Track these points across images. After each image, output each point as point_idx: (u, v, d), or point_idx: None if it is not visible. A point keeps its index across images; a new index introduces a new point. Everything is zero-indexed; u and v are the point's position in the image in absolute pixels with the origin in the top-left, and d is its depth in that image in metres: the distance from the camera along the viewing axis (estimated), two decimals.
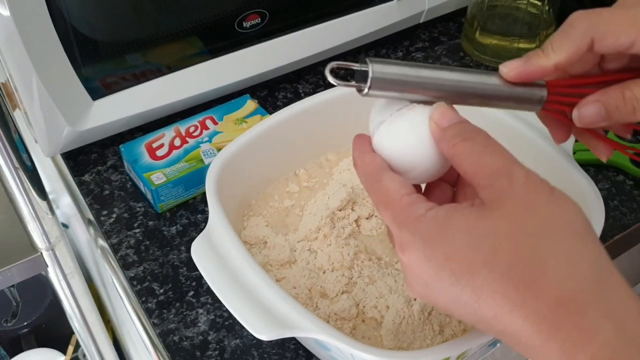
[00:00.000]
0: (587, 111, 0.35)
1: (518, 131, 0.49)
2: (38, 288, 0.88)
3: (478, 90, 0.33)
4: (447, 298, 0.28)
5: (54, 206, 0.63)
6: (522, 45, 0.71)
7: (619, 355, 0.25)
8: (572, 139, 0.49)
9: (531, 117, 0.50)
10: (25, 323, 0.85)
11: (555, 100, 0.36)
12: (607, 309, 0.26)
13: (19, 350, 0.84)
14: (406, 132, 0.32)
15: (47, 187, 0.62)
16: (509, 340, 0.28)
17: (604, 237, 0.52)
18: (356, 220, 0.49)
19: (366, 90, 0.32)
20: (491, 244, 0.27)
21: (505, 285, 0.27)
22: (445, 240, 0.28)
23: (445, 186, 0.35)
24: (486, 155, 0.29)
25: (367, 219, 0.49)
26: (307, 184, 0.52)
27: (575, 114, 0.36)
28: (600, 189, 0.56)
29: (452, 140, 0.30)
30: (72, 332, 0.86)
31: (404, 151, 0.32)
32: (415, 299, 0.42)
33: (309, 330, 0.35)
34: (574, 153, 0.56)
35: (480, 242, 0.27)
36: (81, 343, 0.68)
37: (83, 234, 0.64)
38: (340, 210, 0.49)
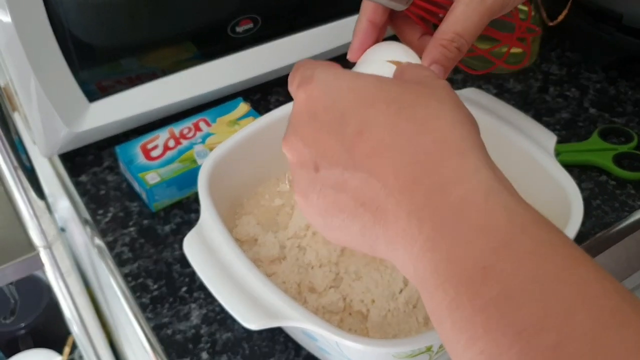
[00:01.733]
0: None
1: (502, 132, 0.50)
2: (35, 290, 0.89)
3: None
4: (330, 133, 0.27)
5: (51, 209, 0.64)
6: (510, 50, 0.72)
7: (494, 193, 0.25)
8: (554, 138, 0.50)
9: (515, 118, 0.52)
10: (23, 324, 0.86)
11: (418, 5, 0.38)
12: (485, 159, 0.26)
13: (16, 350, 0.85)
14: (380, 67, 0.35)
15: (45, 190, 0.64)
16: (373, 197, 0.26)
17: (586, 235, 0.54)
18: None
19: None
20: (395, 89, 0.28)
21: (400, 119, 0.26)
22: (357, 77, 0.29)
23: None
24: (426, 70, 0.32)
25: None
26: None
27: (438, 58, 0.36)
28: (583, 189, 0.58)
29: (404, 67, 0.33)
30: (68, 334, 0.87)
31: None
32: (400, 292, 0.43)
33: (295, 319, 0.36)
34: (557, 154, 0.58)
35: (386, 85, 0.28)
36: (77, 342, 0.69)
37: (80, 236, 0.66)
38: None
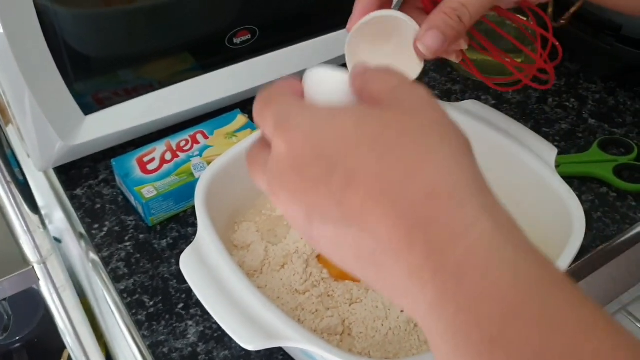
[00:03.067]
0: (430, 40, 0.37)
1: (502, 144, 0.50)
2: (30, 303, 0.88)
3: None
4: (314, 188, 0.25)
5: (47, 221, 0.63)
6: (508, 60, 0.72)
7: (495, 249, 0.22)
8: (554, 151, 0.50)
9: (515, 130, 0.51)
10: (17, 338, 0.85)
11: None
12: (484, 204, 0.24)
13: None
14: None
15: (40, 202, 0.63)
16: (369, 254, 0.24)
17: (587, 249, 0.53)
18: None
19: None
20: (379, 126, 0.25)
21: (385, 168, 0.24)
22: (331, 119, 0.25)
23: None
24: (393, 76, 0.28)
25: None
26: None
27: (421, 47, 0.37)
28: (584, 201, 0.58)
29: (364, 74, 0.28)
30: (64, 347, 0.86)
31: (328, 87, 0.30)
32: (402, 311, 0.43)
33: (295, 340, 0.36)
34: (557, 166, 0.57)
35: (366, 123, 0.25)
36: (73, 357, 0.68)
37: (76, 248, 0.65)
38: None
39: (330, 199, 0.25)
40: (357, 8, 0.39)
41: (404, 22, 0.38)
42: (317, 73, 0.30)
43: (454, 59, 0.43)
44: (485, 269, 0.22)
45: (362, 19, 0.39)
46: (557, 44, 0.42)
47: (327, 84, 0.30)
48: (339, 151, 0.25)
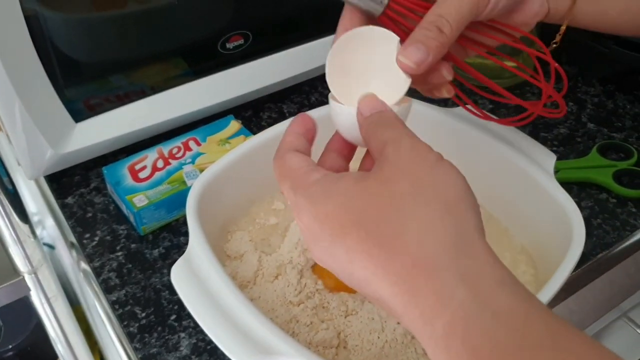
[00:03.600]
0: (411, 53, 0.35)
1: (499, 151, 0.49)
2: (23, 310, 0.87)
3: None
4: (331, 258, 0.29)
5: (40, 227, 0.62)
6: (505, 63, 0.71)
7: (473, 320, 0.24)
8: (553, 158, 0.49)
9: (513, 136, 0.50)
10: (10, 346, 0.84)
11: (394, 9, 0.37)
12: (461, 274, 0.25)
13: None
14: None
15: (33, 208, 0.62)
16: (385, 307, 0.28)
17: (587, 256, 0.53)
18: None
19: None
20: (361, 204, 0.28)
21: (371, 245, 0.27)
22: (326, 201, 0.29)
23: (335, 155, 0.36)
24: (386, 130, 0.31)
25: None
26: None
27: (403, 59, 0.35)
28: (583, 207, 0.57)
29: (367, 127, 0.32)
30: (57, 356, 0.85)
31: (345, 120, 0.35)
32: (398, 323, 0.42)
33: (288, 354, 0.35)
34: (556, 172, 0.57)
35: (352, 202, 0.28)
36: None
37: (67, 258, 0.64)
38: None
39: (345, 271, 0.28)
40: (339, 27, 0.38)
41: (388, 38, 0.36)
42: (332, 105, 0.35)
43: (444, 94, 0.41)
44: (466, 341, 0.24)
45: (343, 35, 0.36)
46: (563, 73, 0.41)
47: (343, 118, 0.34)
48: (334, 232, 0.28)
